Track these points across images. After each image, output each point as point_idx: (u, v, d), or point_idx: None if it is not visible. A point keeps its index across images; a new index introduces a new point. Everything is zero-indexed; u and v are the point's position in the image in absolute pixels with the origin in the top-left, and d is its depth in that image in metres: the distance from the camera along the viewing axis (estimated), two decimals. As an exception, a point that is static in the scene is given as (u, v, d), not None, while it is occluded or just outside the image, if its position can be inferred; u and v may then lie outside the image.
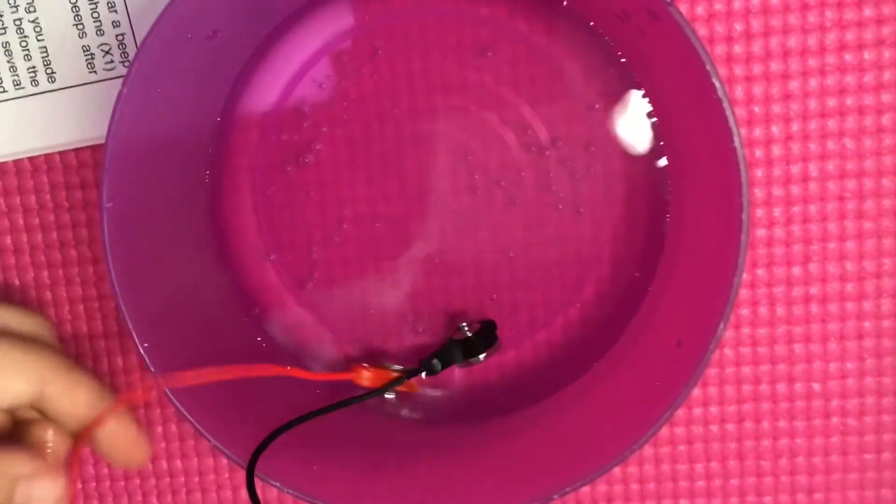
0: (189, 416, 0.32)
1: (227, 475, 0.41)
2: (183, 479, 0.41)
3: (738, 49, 0.37)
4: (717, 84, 0.28)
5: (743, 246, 0.29)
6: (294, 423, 0.32)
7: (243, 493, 0.41)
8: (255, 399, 0.35)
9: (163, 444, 0.41)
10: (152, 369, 0.31)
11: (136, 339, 0.31)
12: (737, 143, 0.28)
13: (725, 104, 0.28)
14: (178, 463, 0.41)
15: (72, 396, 0.32)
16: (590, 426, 0.35)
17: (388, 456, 0.35)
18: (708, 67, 0.28)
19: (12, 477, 0.30)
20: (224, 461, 0.41)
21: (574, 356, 0.37)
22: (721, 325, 0.30)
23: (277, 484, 0.32)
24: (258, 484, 0.32)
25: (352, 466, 0.34)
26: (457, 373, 0.38)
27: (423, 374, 0.36)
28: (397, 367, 0.37)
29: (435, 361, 0.35)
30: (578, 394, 0.37)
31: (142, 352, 0.31)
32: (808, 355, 0.38)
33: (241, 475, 0.41)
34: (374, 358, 0.38)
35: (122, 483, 0.41)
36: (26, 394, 0.31)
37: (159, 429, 0.41)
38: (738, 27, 0.36)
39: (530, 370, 0.38)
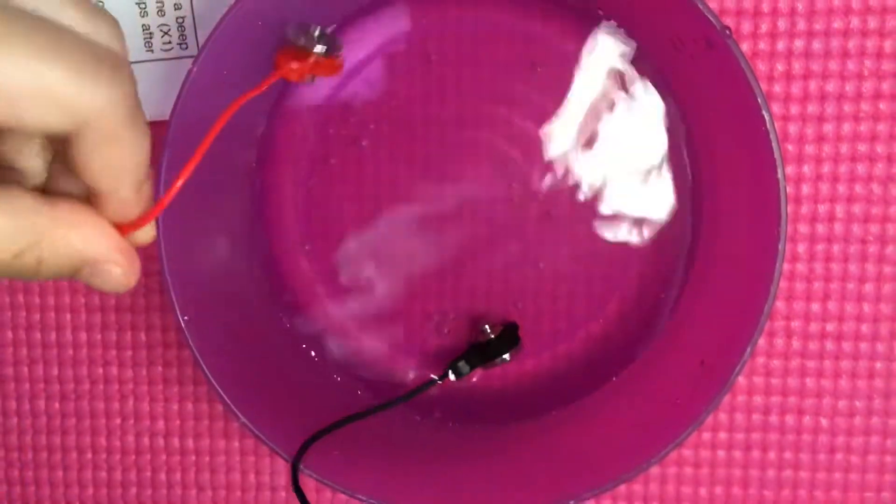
0: (237, 412, 0.32)
1: (252, 458, 0.41)
2: (208, 458, 0.41)
3: (777, 88, 0.38)
4: (767, 117, 0.29)
5: (777, 275, 0.30)
6: (340, 424, 0.33)
7: (260, 476, 0.41)
8: (299, 396, 0.35)
9: (191, 423, 0.41)
10: (190, 341, 0.32)
11: (177, 311, 0.32)
12: (780, 176, 0.29)
13: (773, 137, 0.29)
14: (206, 442, 0.42)
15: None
16: (604, 439, 0.36)
17: (408, 452, 0.36)
18: (760, 100, 0.29)
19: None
20: (244, 443, 0.41)
21: (593, 369, 0.38)
22: (748, 350, 0.31)
23: (312, 473, 0.33)
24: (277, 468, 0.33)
25: (375, 457, 0.35)
26: (478, 374, 0.39)
27: (452, 377, 0.37)
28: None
29: (462, 363, 0.36)
30: (595, 406, 0.37)
31: (182, 324, 0.32)
32: (818, 390, 0.39)
33: (256, 459, 0.41)
34: (399, 357, 0.39)
35: (144, 457, 0.42)
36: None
37: (175, 406, 0.41)
38: (780, 67, 0.38)
39: (549, 380, 0.39)
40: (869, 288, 0.39)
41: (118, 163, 0.24)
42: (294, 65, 0.32)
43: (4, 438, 0.43)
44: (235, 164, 0.37)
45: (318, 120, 0.38)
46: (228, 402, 0.33)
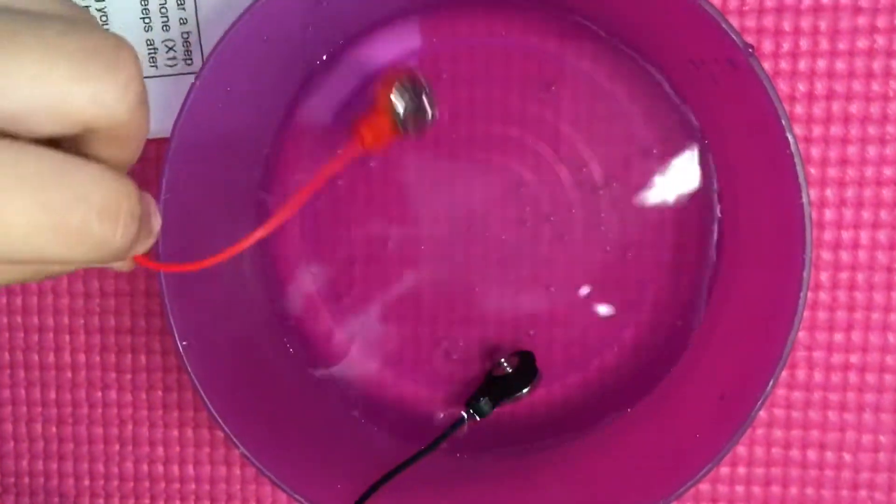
0: (237, 442, 0.31)
1: (253, 486, 0.40)
2: (208, 486, 0.40)
3: (799, 109, 0.37)
4: (791, 139, 0.28)
5: (801, 305, 0.29)
6: (390, 476, 0.32)
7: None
8: (300, 422, 0.34)
9: (191, 449, 0.40)
10: (189, 368, 0.31)
11: (176, 336, 0.31)
12: (805, 201, 0.28)
13: (797, 160, 0.28)
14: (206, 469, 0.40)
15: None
16: (619, 472, 0.35)
17: (419, 483, 0.35)
18: (784, 122, 0.28)
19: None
20: (245, 471, 0.40)
21: (608, 400, 0.37)
22: (771, 383, 0.29)
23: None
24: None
25: (388, 488, 0.33)
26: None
27: (477, 417, 0.35)
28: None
29: (484, 402, 0.35)
30: (610, 438, 0.36)
31: (180, 349, 0.31)
32: (841, 424, 0.38)
33: (257, 487, 0.40)
34: (405, 382, 0.38)
35: (143, 484, 0.41)
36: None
37: (175, 432, 0.40)
38: (802, 87, 0.36)
39: (562, 409, 0.37)
40: (894, 318, 0.37)
41: (119, 159, 0.22)
42: (378, 139, 0.27)
43: (0, 463, 0.42)
44: (239, 184, 0.36)
45: (325, 137, 0.37)
46: (228, 431, 0.31)
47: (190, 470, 0.40)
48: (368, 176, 0.37)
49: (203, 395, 0.31)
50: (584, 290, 0.37)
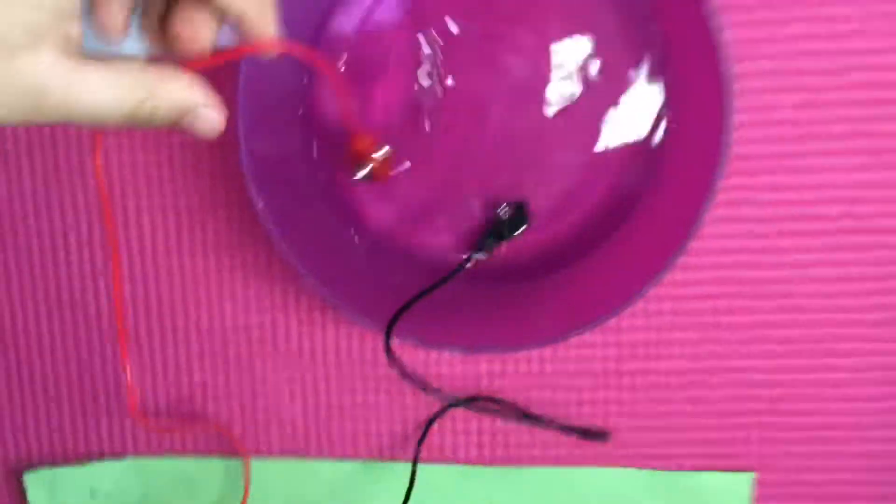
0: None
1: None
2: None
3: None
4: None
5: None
6: (420, 297, 0.44)
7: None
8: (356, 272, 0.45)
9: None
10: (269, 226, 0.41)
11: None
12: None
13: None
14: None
15: None
16: (595, 290, 0.46)
17: (445, 304, 0.46)
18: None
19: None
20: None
21: (584, 243, 0.47)
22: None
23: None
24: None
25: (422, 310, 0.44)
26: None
27: (483, 254, 0.46)
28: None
29: (490, 240, 0.46)
30: (585, 270, 0.47)
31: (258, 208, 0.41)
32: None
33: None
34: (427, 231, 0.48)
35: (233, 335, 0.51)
36: None
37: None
38: None
39: (549, 249, 0.48)
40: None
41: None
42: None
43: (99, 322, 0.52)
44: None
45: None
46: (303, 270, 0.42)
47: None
48: (400, 57, 0.46)
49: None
50: (573, 161, 0.47)
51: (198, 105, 0.33)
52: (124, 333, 0.51)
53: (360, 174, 0.44)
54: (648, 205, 0.46)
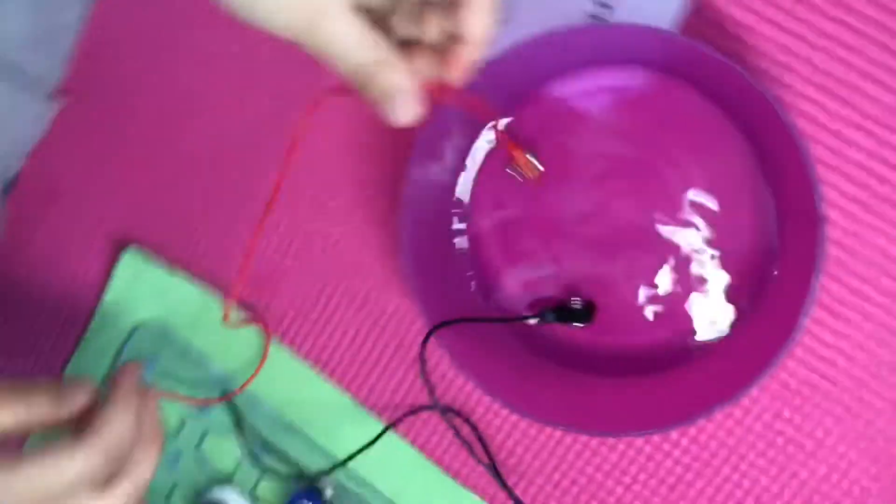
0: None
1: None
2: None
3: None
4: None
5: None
6: (459, 321, 0.53)
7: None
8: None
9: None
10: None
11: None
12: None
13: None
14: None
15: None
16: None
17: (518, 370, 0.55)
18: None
19: None
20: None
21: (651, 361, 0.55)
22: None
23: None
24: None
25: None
26: (557, 326, 0.55)
27: (539, 321, 0.54)
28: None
29: (550, 316, 0.54)
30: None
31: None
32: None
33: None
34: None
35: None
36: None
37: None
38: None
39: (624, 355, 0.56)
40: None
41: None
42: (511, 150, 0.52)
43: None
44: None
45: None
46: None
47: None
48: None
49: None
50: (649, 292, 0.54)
51: (404, 91, 0.38)
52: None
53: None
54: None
